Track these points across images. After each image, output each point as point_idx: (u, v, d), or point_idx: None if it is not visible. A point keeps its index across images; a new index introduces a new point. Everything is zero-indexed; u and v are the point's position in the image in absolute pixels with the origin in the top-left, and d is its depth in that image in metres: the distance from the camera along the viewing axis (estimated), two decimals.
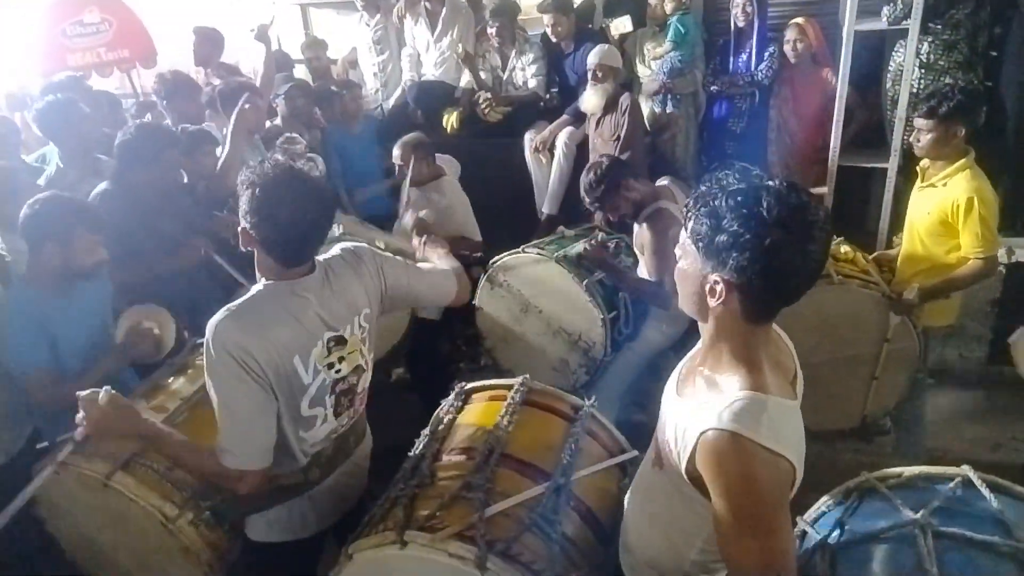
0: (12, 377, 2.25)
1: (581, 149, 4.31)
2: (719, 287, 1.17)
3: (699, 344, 1.36)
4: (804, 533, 1.60)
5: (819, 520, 1.64)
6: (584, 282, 3.01)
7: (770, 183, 1.14)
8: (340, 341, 1.67)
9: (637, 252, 3.01)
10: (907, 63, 3.58)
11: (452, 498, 1.58)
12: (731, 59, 4.21)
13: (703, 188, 1.19)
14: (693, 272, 1.22)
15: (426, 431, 1.92)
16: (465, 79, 4.79)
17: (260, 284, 1.63)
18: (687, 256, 1.23)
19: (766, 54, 4.05)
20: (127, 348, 2.37)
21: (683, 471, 1.24)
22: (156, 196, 2.89)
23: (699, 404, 1.24)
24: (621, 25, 4.42)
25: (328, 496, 1.83)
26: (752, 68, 4.10)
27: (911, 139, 2.79)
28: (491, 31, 4.60)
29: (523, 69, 4.69)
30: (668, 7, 4.23)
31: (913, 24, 3.47)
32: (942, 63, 3.65)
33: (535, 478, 1.69)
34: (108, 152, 3.09)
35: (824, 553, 1.53)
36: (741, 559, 1.16)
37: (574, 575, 1.54)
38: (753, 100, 4.17)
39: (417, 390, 3.58)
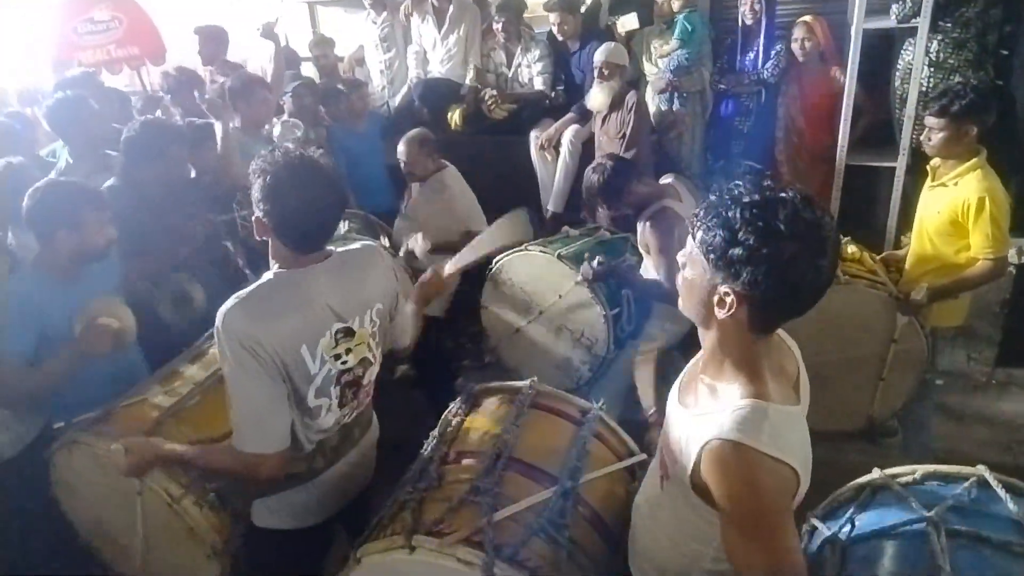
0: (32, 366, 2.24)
1: (587, 147, 4.30)
2: (729, 299, 1.16)
3: (701, 352, 1.35)
4: (814, 528, 1.60)
5: (830, 516, 1.64)
6: (583, 272, 3.00)
7: (784, 195, 1.12)
8: (348, 333, 1.68)
9: (642, 250, 3.01)
10: (916, 61, 3.56)
11: (460, 502, 1.58)
12: (738, 57, 4.19)
13: (713, 198, 1.17)
14: (700, 282, 1.20)
15: (434, 433, 1.92)
16: (470, 76, 4.78)
17: (271, 272, 1.64)
18: (694, 265, 1.22)
19: (773, 52, 4.03)
20: (82, 344, 2.23)
21: (688, 481, 1.24)
22: (163, 191, 2.89)
23: (701, 414, 1.24)
24: (628, 23, 4.41)
25: (332, 485, 1.84)
26: (759, 67, 4.08)
27: (921, 138, 2.76)
28: (497, 27, 4.60)
29: (528, 66, 4.69)
30: (675, 5, 4.21)
31: (923, 22, 3.45)
32: (952, 61, 3.63)
33: (543, 482, 1.68)
34: (118, 148, 3.10)
35: (834, 548, 1.52)
36: (748, 566, 1.17)
37: None
38: (760, 99, 4.15)
39: (421, 387, 3.59)
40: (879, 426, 3.16)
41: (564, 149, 4.39)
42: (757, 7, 3.99)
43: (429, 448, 1.87)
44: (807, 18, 3.94)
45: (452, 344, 3.89)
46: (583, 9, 4.65)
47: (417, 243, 3.06)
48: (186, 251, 2.93)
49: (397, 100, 5.12)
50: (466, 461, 1.76)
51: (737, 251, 1.11)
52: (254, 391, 1.55)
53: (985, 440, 3.34)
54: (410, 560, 1.50)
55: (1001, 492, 1.48)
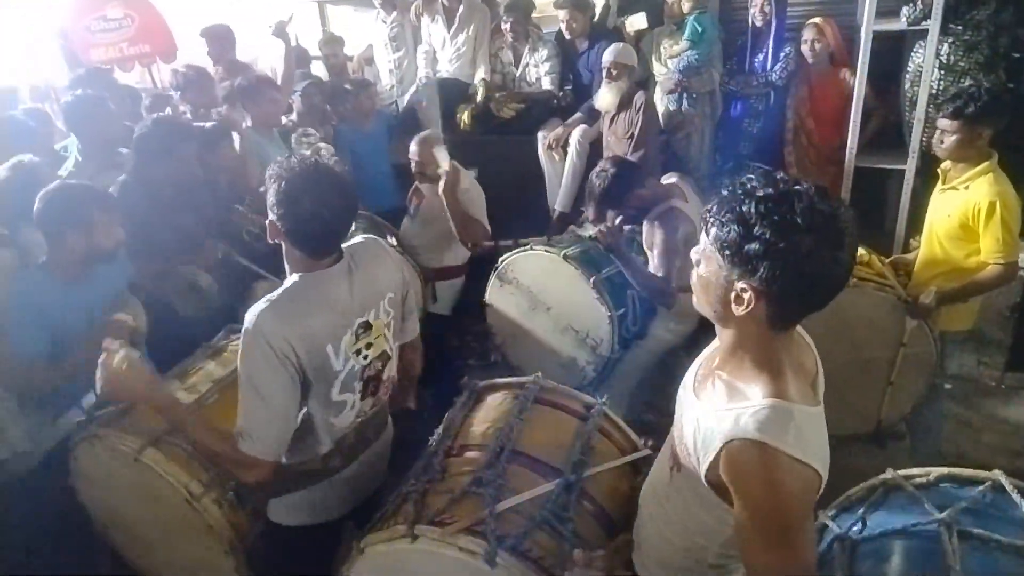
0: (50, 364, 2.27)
1: (594, 147, 4.30)
2: (747, 295, 1.13)
3: (715, 345, 1.33)
4: (825, 526, 1.59)
5: (841, 515, 1.63)
6: (591, 279, 3.01)
7: (798, 187, 1.10)
8: (367, 327, 1.73)
9: (647, 249, 3.00)
10: (926, 64, 3.54)
11: (463, 493, 1.58)
12: (748, 59, 4.18)
13: (726, 193, 1.15)
14: (716, 279, 1.18)
15: (439, 428, 1.92)
16: (479, 76, 4.79)
17: (296, 275, 1.67)
18: (708, 263, 1.19)
19: (781, 55, 4.02)
20: (98, 338, 2.30)
21: (703, 476, 1.22)
22: (174, 190, 2.90)
23: (720, 410, 1.21)
24: (637, 22, 4.41)
25: (348, 483, 1.87)
26: (768, 68, 4.08)
27: (933, 140, 2.73)
28: (505, 27, 4.61)
29: (536, 66, 4.70)
30: (686, 6, 4.21)
31: (933, 25, 3.44)
32: (962, 64, 3.61)
33: (546, 475, 1.68)
34: (128, 145, 3.12)
35: (844, 545, 1.52)
36: (764, 567, 1.15)
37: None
38: (768, 100, 4.15)
39: (427, 384, 3.59)
40: (887, 430, 3.14)
41: (572, 149, 4.39)
42: (767, 9, 3.99)
43: (434, 442, 1.87)
44: (817, 20, 3.94)
45: (458, 342, 3.90)
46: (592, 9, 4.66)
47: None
48: (193, 249, 2.95)
49: (406, 100, 5.13)
50: (469, 454, 1.76)
51: (753, 246, 1.09)
52: (274, 392, 1.56)
53: (994, 445, 3.31)
54: (412, 549, 1.50)
55: (1016, 497, 1.46)
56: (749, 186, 1.13)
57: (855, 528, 1.54)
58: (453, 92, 4.83)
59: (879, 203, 4.22)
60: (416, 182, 3.65)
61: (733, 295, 1.15)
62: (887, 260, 3.11)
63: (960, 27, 3.55)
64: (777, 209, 1.08)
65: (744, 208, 1.10)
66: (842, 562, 1.48)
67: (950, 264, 2.76)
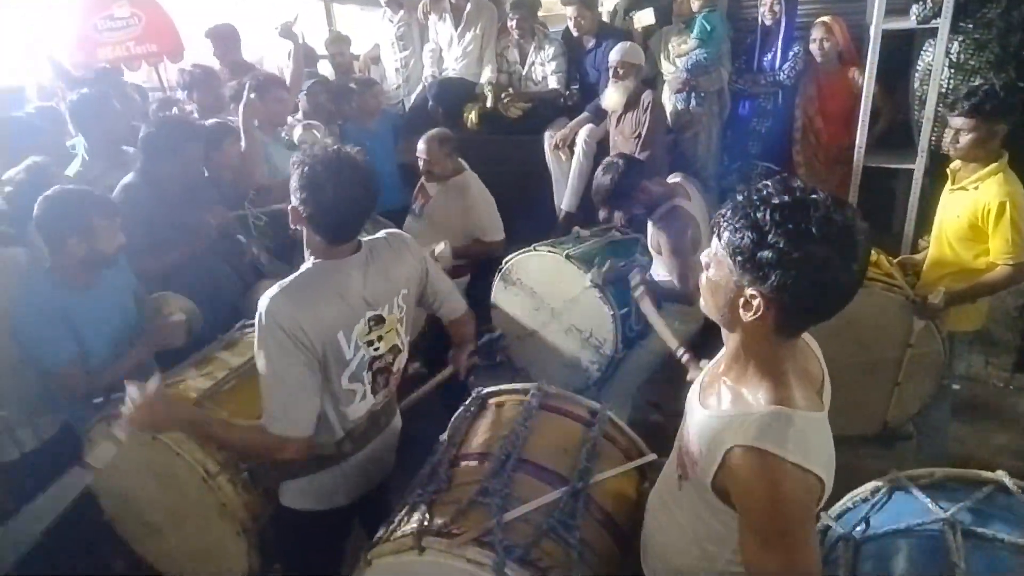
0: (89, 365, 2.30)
1: (601, 146, 4.29)
2: (756, 302, 1.13)
3: (722, 352, 1.33)
4: (828, 527, 1.59)
5: (845, 515, 1.63)
6: (593, 278, 3.01)
7: (815, 196, 1.10)
8: (379, 320, 1.77)
9: (652, 251, 2.99)
10: (936, 62, 3.51)
11: (469, 503, 1.58)
12: (756, 58, 4.16)
13: (741, 198, 1.14)
14: (725, 284, 1.18)
15: (443, 436, 1.92)
16: (486, 75, 4.78)
17: (310, 262, 1.73)
18: (719, 267, 1.19)
19: (790, 54, 4.00)
20: (153, 336, 2.40)
21: (709, 484, 1.23)
22: (180, 189, 2.91)
23: (724, 417, 1.22)
24: (644, 18, 4.39)
25: (359, 469, 1.91)
26: (776, 67, 4.05)
27: (947, 140, 2.69)
28: (511, 24, 4.60)
29: (542, 64, 4.69)
30: (695, 4, 4.18)
31: (943, 23, 3.41)
32: (972, 63, 3.58)
33: (553, 483, 1.68)
34: (135, 145, 3.13)
35: (848, 544, 1.52)
36: (765, 573, 1.15)
37: None
38: (777, 100, 4.13)
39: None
40: (894, 430, 3.13)
41: (578, 148, 4.38)
42: (776, 8, 3.96)
43: (439, 451, 1.88)
44: (825, 18, 3.91)
45: None
46: (600, 8, 4.64)
47: (443, 249, 3.10)
48: (198, 248, 2.95)
49: (412, 99, 5.13)
50: (475, 463, 1.76)
51: (766, 254, 1.08)
52: (288, 375, 1.61)
53: (1002, 446, 3.30)
54: (420, 561, 1.50)
55: (1020, 496, 1.46)
56: (765, 192, 1.12)
57: (859, 528, 1.54)
58: (460, 91, 4.83)
59: (887, 203, 4.20)
60: (422, 180, 3.66)
61: (742, 301, 1.15)
62: (895, 260, 3.10)
63: (970, 25, 3.52)
64: (792, 218, 1.07)
65: (759, 215, 1.10)
66: (846, 562, 1.49)
67: (959, 264, 2.74)
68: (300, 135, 3.75)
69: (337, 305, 1.68)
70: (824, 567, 1.43)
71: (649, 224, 2.96)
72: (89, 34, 5.55)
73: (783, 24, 3.99)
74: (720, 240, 1.17)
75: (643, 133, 3.87)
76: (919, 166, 3.70)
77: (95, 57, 5.44)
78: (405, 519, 1.65)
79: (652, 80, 4.45)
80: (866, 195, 3.90)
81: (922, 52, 3.72)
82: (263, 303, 1.61)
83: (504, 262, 3.32)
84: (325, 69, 5.39)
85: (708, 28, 4.11)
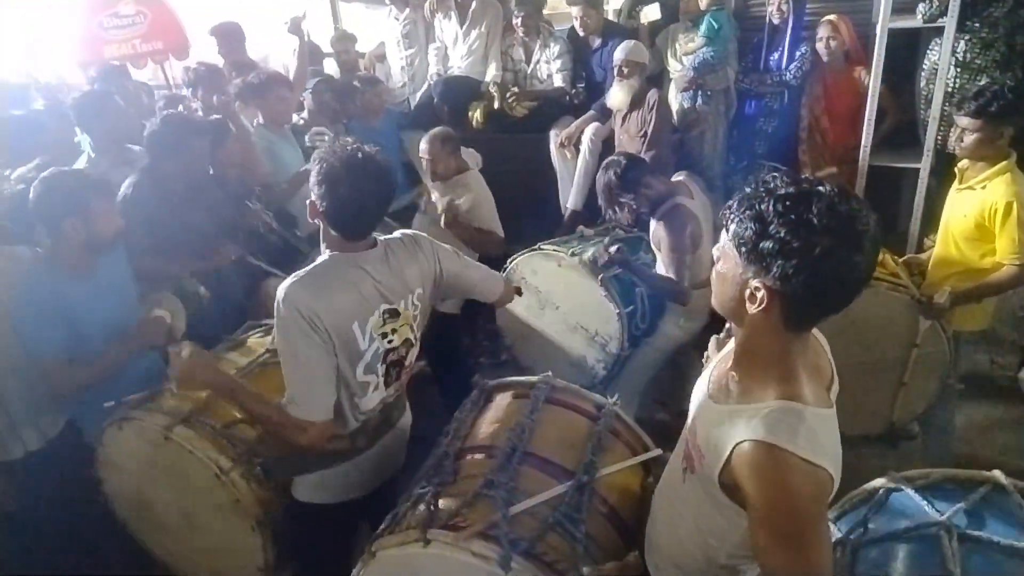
0: (75, 360, 2.27)
1: (607, 145, 4.28)
2: (760, 294, 1.13)
3: (730, 346, 1.33)
4: None
5: (842, 518, 1.63)
6: (599, 277, 3.01)
7: (820, 188, 1.10)
8: (394, 314, 1.81)
9: (655, 249, 3.00)
10: (942, 61, 3.51)
11: (475, 496, 1.58)
12: (763, 57, 4.15)
13: (748, 190, 1.15)
14: (732, 276, 1.18)
15: (448, 428, 1.93)
16: (491, 74, 4.79)
17: (326, 254, 1.78)
18: (726, 259, 1.19)
19: (797, 54, 3.99)
20: (137, 335, 2.34)
21: (716, 479, 1.22)
22: (185, 187, 2.92)
23: (733, 412, 1.21)
24: (650, 12, 4.39)
25: (371, 463, 1.95)
26: (783, 67, 4.05)
27: (953, 139, 2.69)
28: (516, 22, 4.60)
29: (548, 63, 4.68)
30: (703, 2, 4.16)
31: (949, 22, 3.40)
32: (979, 62, 3.57)
33: (558, 476, 1.68)
34: (140, 143, 3.14)
35: (844, 549, 1.52)
36: (779, 569, 1.14)
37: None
38: (783, 99, 4.12)
39: (437, 383, 3.60)
40: (899, 430, 3.13)
41: (584, 147, 4.38)
42: (784, 7, 3.95)
43: (444, 443, 1.88)
44: (832, 17, 3.90)
45: (468, 341, 3.91)
46: (606, 7, 4.63)
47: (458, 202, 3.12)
48: (206, 250, 2.96)
49: (417, 97, 5.13)
50: (481, 456, 1.76)
51: (768, 244, 1.08)
52: (309, 358, 1.66)
53: (1007, 445, 3.29)
54: (425, 554, 1.50)
55: (1017, 497, 1.46)
56: (771, 184, 1.12)
57: (856, 532, 1.54)
58: (465, 90, 4.83)
59: (893, 202, 4.19)
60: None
61: (747, 293, 1.15)
62: (901, 259, 3.09)
63: (977, 24, 3.50)
64: (794, 208, 1.07)
65: (763, 206, 1.10)
66: (844, 567, 1.49)
67: (965, 264, 2.74)
68: (309, 141, 3.75)
69: (352, 296, 1.72)
70: None
71: (652, 221, 2.96)
72: (94, 32, 5.57)
73: (791, 23, 3.97)
74: (728, 232, 1.17)
75: (649, 132, 3.86)
76: (925, 165, 3.69)
77: (100, 55, 5.46)
78: (410, 511, 1.65)
79: (658, 77, 4.45)
80: (872, 194, 3.88)
81: (928, 51, 3.71)
82: (280, 292, 1.66)
83: (508, 262, 3.32)
84: (330, 67, 5.40)
85: (715, 26, 4.10)
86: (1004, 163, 2.56)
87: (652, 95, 3.88)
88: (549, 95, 4.67)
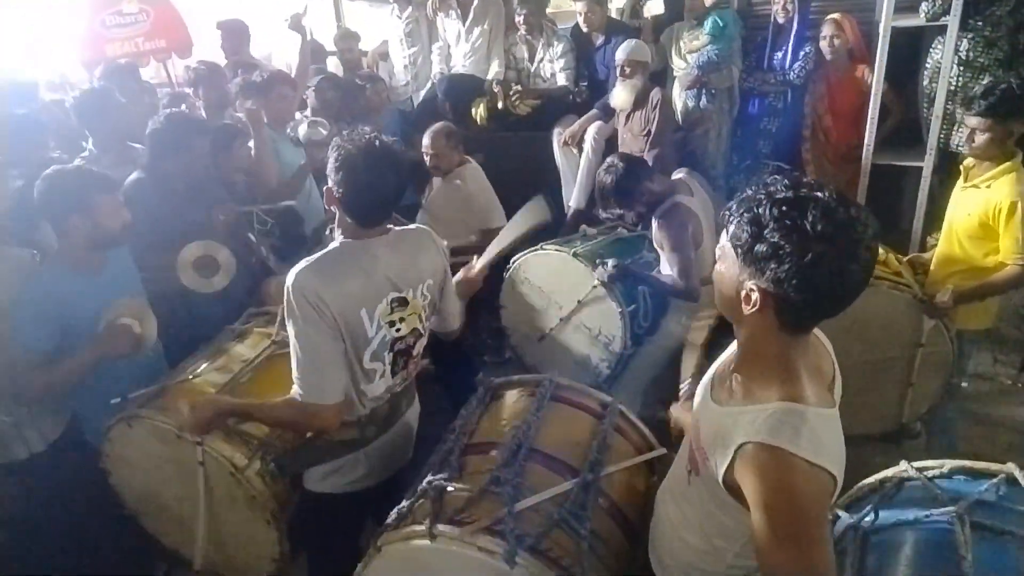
0: (52, 362, 2.25)
1: (610, 144, 4.29)
2: (754, 295, 1.15)
3: (732, 347, 1.34)
4: (837, 517, 1.59)
5: (853, 505, 1.63)
6: (599, 276, 3.02)
7: (819, 194, 1.10)
8: (403, 302, 1.83)
9: (657, 248, 3.00)
10: (945, 60, 3.51)
11: (481, 492, 1.59)
12: (767, 56, 4.15)
13: (748, 192, 1.16)
14: (730, 276, 1.20)
15: (454, 425, 1.93)
16: (493, 71, 4.78)
17: (337, 240, 1.81)
18: (725, 259, 1.21)
19: (801, 54, 3.99)
20: (102, 343, 2.22)
21: (720, 480, 1.23)
22: (187, 186, 2.92)
23: (735, 413, 1.22)
24: (654, 7, 4.39)
25: (380, 453, 1.98)
26: (787, 66, 4.04)
27: (964, 139, 2.68)
28: (519, 19, 4.59)
29: (551, 61, 4.68)
30: (708, 1, 4.17)
31: (952, 20, 3.41)
32: (982, 60, 3.57)
33: (563, 474, 1.69)
34: (142, 141, 3.14)
35: (856, 534, 1.52)
36: (779, 568, 1.14)
37: None
38: (787, 98, 4.12)
39: (441, 381, 3.61)
40: (903, 429, 3.12)
41: (587, 146, 4.38)
42: (790, 7, 3.95)
43: (450, 440, 1.88)
44: (835, 15, 3.90)
45: (472, 340, 3.91)
46: (609, 5, 4.63)
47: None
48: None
49: (421, 95, 5.13)
50: (487, 452, 1.76)
51: (762, 247, 1.10)
52: (316, 344, 1.69)
53: (1010, 444, 3.29)
54: (431, 548, 1.51)
55: None
56: (771, 188, 1.14)
57: (868, 519, 1.54)
58: (468, 88, 4.83)
59: (896, 200, 4.18)
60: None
61: (743, 293, 1.17)
62: (904, 259, 3.09)
63: (980, 23, 3.51)
64: (790, 213, 1.09)
65: (760, 209, 1.12)
66: (854, 552, 1.49)
67: (968, 263, 2.73)
68: (305, 132, 3.76)
69: (361, 281, 1.74)
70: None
71: (653, 220, 2.97)
72: (97, 31, 5.56)
73: (795, 22, 3.97)
74: (727, 233, 1.19)
75: (652, 131, 3.87)
76: (928, 164, 3.69)
77: (103, 54, 5.45)
78: (416, 507, 1.66)
79: (662, 75, 4.45)
80: (875, 193, 3.89)
81: (931, 50, 3.72)
82: (290, 277, 1.68)
83: (511, 261, 3.32)
84: (333, 65, 5.40)
85: (720, 25, 4.09)
86: (1009, 163, 2.55)
87: (655, 94, 3.88)
88: (552, 93, 4.67)
